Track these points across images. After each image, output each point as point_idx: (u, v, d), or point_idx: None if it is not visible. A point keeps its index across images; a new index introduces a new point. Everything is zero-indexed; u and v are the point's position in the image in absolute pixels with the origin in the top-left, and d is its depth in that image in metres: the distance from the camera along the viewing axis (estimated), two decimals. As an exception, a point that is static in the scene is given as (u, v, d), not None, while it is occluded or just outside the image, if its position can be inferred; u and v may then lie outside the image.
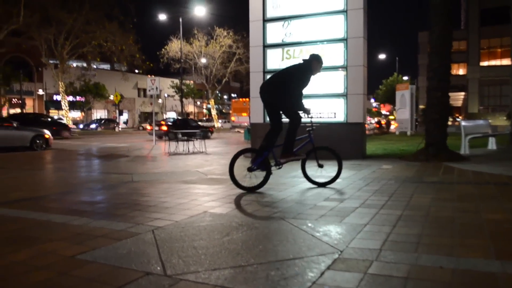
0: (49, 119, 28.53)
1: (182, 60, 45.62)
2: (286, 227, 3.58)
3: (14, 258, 2.88)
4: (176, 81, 56.31)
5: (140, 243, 3.16)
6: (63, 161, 11.61)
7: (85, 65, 49.59)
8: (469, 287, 2.29)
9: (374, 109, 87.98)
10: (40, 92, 46.71)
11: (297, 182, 6.11)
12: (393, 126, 37.19)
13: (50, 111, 46.79)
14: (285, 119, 5.62)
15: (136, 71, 49.06)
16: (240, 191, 5.48)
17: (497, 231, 3.37)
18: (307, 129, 5.77)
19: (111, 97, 47.13)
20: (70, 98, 43.26)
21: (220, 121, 58.46)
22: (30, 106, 46.06)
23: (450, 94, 9.70)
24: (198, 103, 70.33)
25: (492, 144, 12.04)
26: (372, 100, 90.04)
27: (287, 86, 5.46)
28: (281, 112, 5.62)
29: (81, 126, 44.70)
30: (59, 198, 5.40)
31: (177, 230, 3.55)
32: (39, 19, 31.47)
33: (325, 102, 10.15)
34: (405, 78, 63.89)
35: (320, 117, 10.17)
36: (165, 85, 57.46)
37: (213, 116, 56.37)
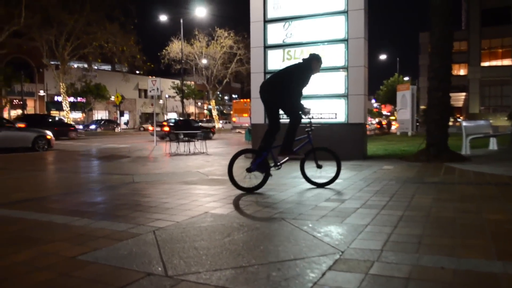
0: (57, 120, 28.93)
1: (183, 61, 45.70)
2: (287, 228, 3.58)
3: (16, 258, 2.88)
4: (177, 82, 56.34)
5: (141, 244, 3.16)
6: (64, 161, 11.62)
7: (86, 66, 49.63)
8: (470, 287, 2.29)
9: (375, 110, 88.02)
10: (41, 93, 46.76)
11: (298, 182, 6.11)
12: (394, 126, 37.20)
13: (51, 112, 46.82)
14: (283, 120, 5.62)
15: (137, 72, 49.10)
16: (241, 192, 5.49)
17: (499, 232, 3.37)
18: (306, 129, 5.78)
19: (112, 98, 47.23)
20: (71, 99, 43.31)
21: (221, 121, 58.50)
22: (31, 107, 46.12)
23: (451, 94, 9.70)
24: (199, 104, 70.37)
25: (493, 144, 12.03)
26: (373, 101, 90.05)
27: (287, 85, 5.46)
28: (280, 112, 5.62)
29: (81, 127, 44.79)
30: (60, 199, 5.40)
31: (178, 230, 3.55)
32: (40, 20, 31.50)
33: (326, 102, 10.16)
34: (406, 78, 63.96)
35: (321, 118, 10.17)
36: (166, 86, 57.49)
37: (214, 116, 56.38)
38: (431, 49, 9.70)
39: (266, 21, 10.84)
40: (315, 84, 9.82)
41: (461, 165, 8.17)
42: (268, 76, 10.36)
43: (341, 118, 10.02)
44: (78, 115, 51.57)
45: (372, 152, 11.67)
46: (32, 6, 29.73)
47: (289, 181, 6.38)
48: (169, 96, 63.18)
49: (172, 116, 61.24)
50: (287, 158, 5.65)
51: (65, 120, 34.90)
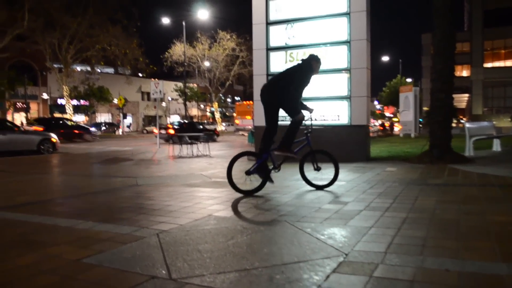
0: (73, 124, 29.71)
1: (185, 64, 45.73)
2: (290, 230, 3.58)
3: (20, 261, 2.89)
4: (180, 84, 56.41)
5: (145, 247, 3.17)
6: (68, 164, 11.66)
7: (89, 69, 49.72)
8: (475, 290, 2.28)
9: (377, 111, 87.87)
10: (45, 96, 46.91)
11: (300, 185, 6.10)
12: (396, 128, 37.14)
13: (54, 115, 46.96)
14: (284, 122, 5.63)
15: (140, 74, 49.15)
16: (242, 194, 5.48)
17: (503, 233, 3.35)
18: (305, 131, 5.78)
19: (115, 101, 47.31)
20: (74, 102, 43.39)
21: (223, 124, 58.53)
22: (34, 110, 46.24)
23: (454, 96, 9.68)
24: (202, 106, 70.43)
25: (496, 146, 11.99)
26: (376, 102, 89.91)
27: (288, 86, 5.46)
28: (279, 114, 5.62)
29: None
30: (64, 202, 5.42)
31: (182, 233, 3.55)
32: (43, 24, 31.63)
33: (329, 104, 10.15)
34: (409, 80, 63.79)
35: (324, 120, 10.16)
36: (169, 89, 57.54)
37: (216, 119, 56.43)
38: (433, 51, 9.68)
39: (268, 23, 10.85)
40: (318, 86, 9.87)
41: (465, 167, 8.15)
42: (271, 77, 10.40)
43: (344, 120, 10.01)
44: (81, 118, 51.71)
45: (375, 154, 11.64)
46: (35, 10, 29.85)
47: (292, 184, 6.37)
48: (172, 99, 63.26)
49: (175, 118, 61.31)
50: (284, 159, 5.65)
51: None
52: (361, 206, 4.55)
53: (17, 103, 41.92)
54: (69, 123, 29.24)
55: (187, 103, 45.70)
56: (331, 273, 2.53)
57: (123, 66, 40.50)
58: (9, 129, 15.62)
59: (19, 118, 42.64)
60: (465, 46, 45.29)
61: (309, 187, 5.89)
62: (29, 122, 28.34)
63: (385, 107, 78.59)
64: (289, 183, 6.40)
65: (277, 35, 10.77)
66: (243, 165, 5.98)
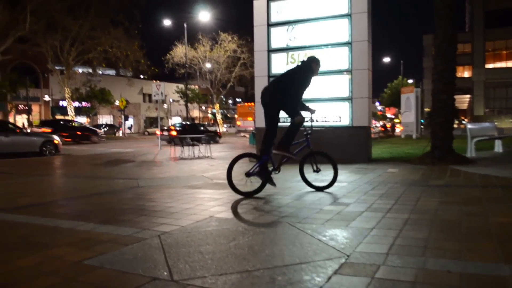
0: (80, 125, 30.85)
1: (187, 65, 45.78)
2: (292, 232, 3.58)
3: (22, 263, 2.90)
4: (181, 86, 56.43)
5: (146, 248, 3.17)
6: (70, 166, 11.68)
7: (90, 71, 49.78)
8: (477, 291, 2.27)
9: (379, 113, 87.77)
10: (46, 98, 46.97)
11: (302, 186, 6.10)
12: (398, 129, 37.10)
13: (56, 116, 47.03)
14: (283, 124, 5.64)
15: (141, 76, 49.19)
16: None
17: (505, 234, 3.35)
18: (304, 133, 5.78)
19: (117, 103, 47.36)
20: (76, 103, 43.44)
21: (225, 125, 58.53)
22: (36, 112, 46.30)
23: (456, 96, 9.66)
24: (203, 107, 70.46)
25: (498, 146, 11.96)
26: (377, 104, 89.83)
27: (289, 87, 5.48)
28: (279, 116, 5.62)
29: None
30: (66, 204, 5.43)
31: (184, 235, 3.55)
32: (45, 26, 31.69)
33: (330, 106, 10.15)
34: (410, 81, 63.73)
35: (326, 121, 10.16)
36: (170, 90, 57.58)
37: (218, 120, 56.44)
38: (435, 52, 9.68)
39: (270, 25, 10.86)
40: (320, 87, 9.87)
41: (467, 168, 8.13)
42: (272, 79, 10.41)
43: (346, 121, 10.01)
44: (83, 119, 51.81)
45: (377, 155, 11.63)
46: (37, 12, 29.92)
47: (293, 185, 6.37)
48: (173, 101, 63.30)
49: (177, 120, 61.37)
50: (285, 159, 5.65)
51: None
52: (362, 207, 4.54)
53: (19, 105, 42.03)
54: (76, 124, 30.04)
55: (189, 104, 45.71)
56: (332, 275, 2.52)
57: (124, 68, 40.57)
58: (12, 131, 15.71)
59: (21, 120, 42.74)
60: (467, 47, 45.23)
61: (310, 189, 5.89)
62: (37, 124, 28.90)
63: (387, 108, 78.51)
64: (290, 185, 6.40)
65: (278, 37, 10.77)
66: (243, 166, 5.98)
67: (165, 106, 62.83)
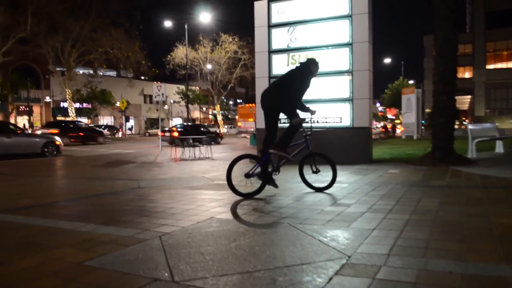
0: (87, 127, 32.05)
1: (187, 66, 45.82)
2: (293, 233, 3.57)
3: (22, 264, 2.89)
4: (182, 87, 56.51)
5: (147, 249, 3.17)
6: (71, 167, 11.69)
7: (91, 72, 49.92)
8: (478, 292, 2.27)
9: (380, 114, 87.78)
10: (47, 99, 47.05)
11: (302, 187, 6.09)
12: (399, 130, 37.09)
13: (57, 118, 47.09)
14: (282, 125, 5.66)
15: (142, 77, 49.29)
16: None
17: (506, 235, 3.34)
18: (304, 134, 5.79)
19: (118, 104, 47.41)
20: (77, 105, 43.51)
21: (226, 126, 58.56)
22: (37, 113, 46.39)
23: (456, 97, 9.66)
24: (204, 109, 70.50)
25: (499, 147, 11.96)
26: (378, 104, 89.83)
27: (289, 88, 5.50)
28: (279, 118, 5.64)
29: None
30: (66, 205, 5.43)
31: (184, 236, 3.55)
32: (46, 27, 31.76)
33: (331, 107, 10.15)
34: (411, 82, 63.75)
35: (326, 122, 10.16)
36: (171, 91, 57.67)
37: (219, 121, 56.46)
38: (435, 52, 9.68)
39: (271, 26, 10.87)
40: (321, 88, 9.88)
41: (467, 169, 8.13)
42: (272, 80, 10.42)
43: (346, 122, 10.01)
44: (84, 121, 51.86)
45: (378, 156, 11.63)
46: (38, 14, 29.98)
47: (294, 186, 6.37)
48: (174, 102, 63.37)
49: (177, 121, 61.41)
50: (284, 160, 5.66)
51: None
52: (363, 208, 4.54)
53: (20, 107, 42.09)
54: (82, 126, 30.85)
55: (189, 105, 45.73)
56: (333, 276, 2.52)
57: (125, 69, 40.66)
58: (13, 132, 15.76)
59: (21, 122, 42.78)
60: (467, 48, 45.26)
61: (310, 189, 5.90)
62: (44, 125, 29.99)
63: (387, 109, 78.49)
64: (291, 186, 6.40)
65: (279, 38, 10.78)
66: (243, 168, 5.98)
67: (166, 107, 62.88)
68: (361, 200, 5.03)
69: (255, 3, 11.01)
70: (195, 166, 10.74)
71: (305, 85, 5.62)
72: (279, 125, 5.70)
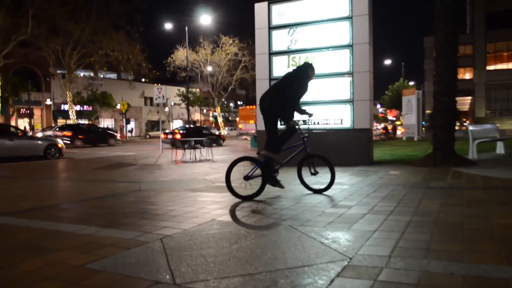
0: (98, 128, 33.28)
1: (188, 69, 45.86)
2: (294, 235, 3.57)
3: (24, 267, 2.89)
4: (183, 89, 56.55)
5: (149, 252, 3.17)
6: (73, 169, 11.70)
7: (92, 74, 49.90)
8: (480, 293, 2.26)
9: (380, 115, 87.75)
10: (48, 102, 47.06)
11: (303, 189, 6.09)
12: (399, 131, 37.07)
13: (58, 120, 47.12)
14: (281, 126, 5.68)
15: (143, 80, 49.26)
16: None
17: (508, 236, 3.34)
18: (302, 136, 5.79)
19: (118, 106, 47.44)
20: (78, 107, 43.55)
21: (226, 128, 58.58)
22: (38, 116, 46.40)
23: (457, 98, 9.67)
24: (205, 111, 70.52)
25: (500, 148, 11.95)
26: (378, 106, 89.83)
27: (287, 92, 5.53)
28: (279, 121, 5.67)
29: None
30: (68, 207, 5.43)
31: (186, 238, 3.55)
32: (47, 30, 31.78)
33: (332, 108, 10.15)
34: (411, 83, 63.76)
35: (327, 124, 10.16)
36: (172, 94, 57.69)
37: (219, 123, 56.47)
38: (436, 54, 9.68)
39: (271, 28, 10.88)
40: (321, 90, 9.89)
41: (468, 170, 8.12)
42: (273, 82, 10.42)
43: (347, 123, 10.00)
44: (84, 123, 51.88)
45: (378, 157, 11.63)
46: (39, 16, 30.01)
47: (295, 188, 6.36)
48: (175, 104, 63.39)
49: (178, 123, 61.44)
50: (278, 166, 5.70)
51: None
52: (364, 209, 4.54)
53: (21, 109, 42.11)
54: (94, 128, 31.96)
55: (190, 108, 45.76)
56: (335, 277, 2.52)
57: (126, 71, 40.62)
58: (15, 134, 15.82)
59: (22, 124, 42.81)
60: (468, 49, 45.28)
61: (311, 191, 5.89)
62: (59, 127, 30.80)
63: (388, 111, 78.51)
64: (291, 187, 6.39)
65: (280, 40, 10.79)
66: (242, 170, 5.97)
67: (167, 109, 62.90)
68: (362, 202, 5.03)
69: (256, 5, 11.02)
70: (196, 168, 10.75)
71: (303, 88, 5.68)
72: (281, 126, 5.71)
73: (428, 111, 41.93)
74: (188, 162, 12.62)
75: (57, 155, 15.99)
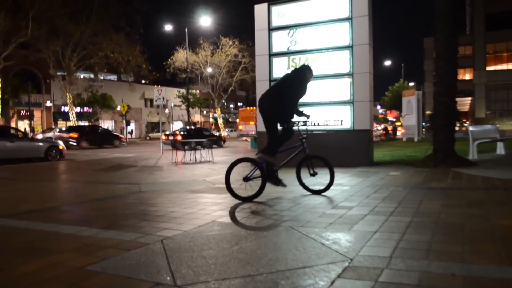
0: (104, 130, 33.49)
1: (188, 70, 45.86)
2: (295, 236, 3.57)
3: (24, 269, 2.89)
4: (183, 90, 56.54)
5: (149, 253, 3.16)
6: (73, 171, 11.69)
7: (92, 76, 49.97)
8: (481, 294, 2.26)
9: (380, 116, 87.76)
10: (48, 103, 47.08)
11: (304, 190, 6.09)
12: (399, 132, 37.07)
13: (58, 122, 47.14)
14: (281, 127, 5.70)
15: (143, 81, 49.30)
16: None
17: (509, 237, 3.33)
18: (300, 137, 5.79)
19: (118, 108, 47.45)
20: (78, 109, 43.53)
21: (226, 129, 58.59)
22: (38, 117, 46.40)
23: (457, 99, 9.67)
24: (205, 112, 70.51)
25: (500, 149, 11.95)
26: (379, 107, 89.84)
27: (286, 93, 5.53)
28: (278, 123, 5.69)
29: None
30: (68, 209, 5.43)
31: (186, 239, 3.55)
32: (47, 32, 31.79)
33: (332, 109, 10.15)
34: (411, 84, 63.80)
35: (327, 125, 10.16)
36: (172, 95, 57.69)
37: (219, 125, 56.46)
38: (436, 55, 9.69)
39: (271, 29, 10.89)
40: (321, 91, 9.90)
41: (469, 170, 8.12)
42: (273, 83, 10.43)
43: (347, 124, 10.00)
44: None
45: (379, 158, 11.63)
46: (39, 18, 30.02)
47: (295, 189, 6.35)
48: (175, 105, 63.41)
49: (178, 125, 61.44)
50: (277, 167, 5.70)
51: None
52: (365, 210, 4.53)
53: (21, 111, 42.11)
54: (100, 130, 32.34)
55: (190, 109, 45.77)
56: (336, 279, 2.52)
57: (126, 73, 40.65)
58: (16, 136, 15.85)
59: (23, 126, 42.81)
60: (468, 50, 45.31)
61: (311, 193, 5.89)
62: (67, 129, 30.96)
63: (388, 111, 78.53)
64: (292, 188, 6.39)
65: (280, 41, 10.79)
66: (241, 172, 5.97)
67: (167, 111, 62.92)
68: (363, 203, 5.03)
69: (256, 6, 11.03)
70: (196, 169, 10.75)
71: (302, 90, 5.70)
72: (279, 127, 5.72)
73: (428, 112, 41.94)
74: (189, 164, 12.62)
75: (58, 157, 16.05)
